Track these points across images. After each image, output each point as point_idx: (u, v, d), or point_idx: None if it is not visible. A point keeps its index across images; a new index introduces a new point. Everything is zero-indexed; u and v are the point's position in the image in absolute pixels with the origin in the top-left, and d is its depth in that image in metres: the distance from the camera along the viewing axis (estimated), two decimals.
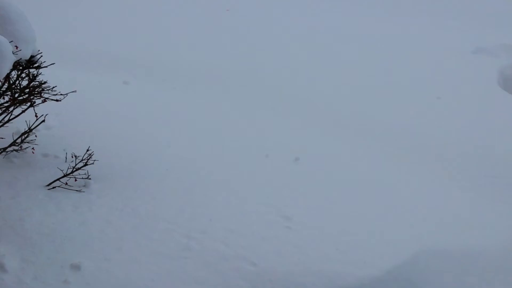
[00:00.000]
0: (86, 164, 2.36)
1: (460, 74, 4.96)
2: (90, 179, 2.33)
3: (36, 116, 2.42)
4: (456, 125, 3.62)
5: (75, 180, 2.30)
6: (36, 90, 2.34)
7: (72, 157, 2.40)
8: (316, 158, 2.95)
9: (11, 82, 2.30)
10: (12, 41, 2.02)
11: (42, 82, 2.39)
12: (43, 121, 2.47)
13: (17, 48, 2.05)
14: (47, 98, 2.38)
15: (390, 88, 4.36)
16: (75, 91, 2.51)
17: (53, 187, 2.25)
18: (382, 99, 4.08)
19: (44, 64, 2.34)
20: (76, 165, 2.35)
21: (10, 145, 2.39)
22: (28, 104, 2.37)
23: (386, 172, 2.94)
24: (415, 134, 3.45)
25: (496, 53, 6.94)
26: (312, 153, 2.99)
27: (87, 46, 4.75)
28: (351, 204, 2.49)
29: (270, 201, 2.35)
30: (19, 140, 2.43)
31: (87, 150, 2.40)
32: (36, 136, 2.50)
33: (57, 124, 2.77)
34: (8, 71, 1.97)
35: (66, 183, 2.28)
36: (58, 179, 2.27)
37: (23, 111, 2.43)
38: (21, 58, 2.12)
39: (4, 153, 2.39)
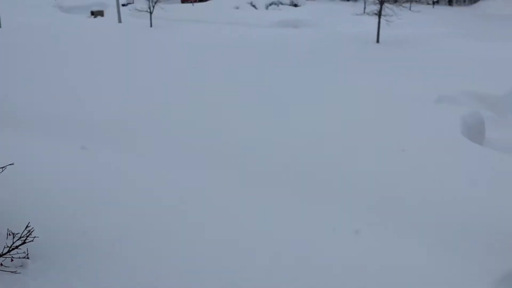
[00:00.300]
0: (24, 242, 2.18)
1: (423, 124, 4.98)
2: (28, 258, 2.14)
3: None
4: (421, 179, 3.57)
5: (11, 260, 2.11)
6: None
7: (9, 234, 2.22)
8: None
9: None
10: None
11: None
12: None
13: None
14: None
15: (353, 141, 4.32)
16: (12, 164, 2.37)
17: None
18: (345, 152, 4.03)
19: None
20: (13, 243, 2.17)
21: None
22: None
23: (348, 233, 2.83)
24: (381, 190, 3.39)
25: (458, 100, 7.09)
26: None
27: (35, 108, 4.65)
28: None
29: None
30: None
31: (27, 227, 2.23)
32: None
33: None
34: None
35: (1, 264, 2.09)
36: None
37: None
38: None
39: None
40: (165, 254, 2.37)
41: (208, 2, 31.06)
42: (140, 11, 19.37)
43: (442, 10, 32.81)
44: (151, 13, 18.65)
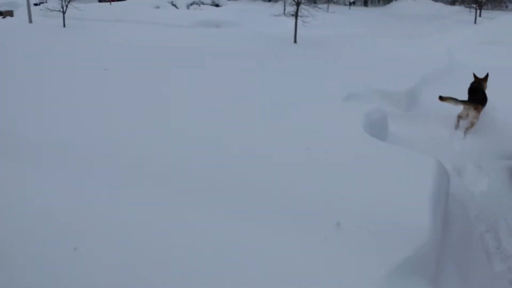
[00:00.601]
0: None
1: (329, 121, 5.13)
2: None
3: None
4: (319, 174, 3.65)
5: None
6: None
7: None
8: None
9: None
10: None
11: None
12: None
13: None
14: None
15: (256, 141, 4.36)
16: None
17: None
18: (244, 152, 4.05)
19: None
20: None
21: None
22: None
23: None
24: (282, 187, 3.44)
25: (365, 97, 7.40)
26: None
27: None
28: None
29: None
30: None
31: None
32: None
33: None
34: None
35: None
36: None
37: None
38: None
39: None
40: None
41: (127, 1, 30.23)
42: (52, 10, 18.44)
43: (358, 11, 34.22)
44: (64, 12, 17.82)
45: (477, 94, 6.55)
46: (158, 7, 26.36)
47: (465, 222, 3.93)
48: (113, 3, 28.91)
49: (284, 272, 2.46)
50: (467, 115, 6.46)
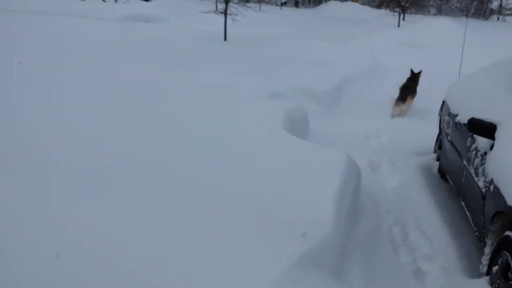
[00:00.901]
0: None
1: (249, 119, 5.14)
2: None
3: None
4: (233, 171, 3.64)
5: None
6: None
7: None
8: None
9: None
10: None
11: None
12: None
13: None
14: None
15: (173, 139, 4.28)
16: None
17: None
18: (162, 151, 3.96)
19: None
20: None
21: None
22: None
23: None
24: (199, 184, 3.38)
25: (289, 96, 7.52)
26: None
27: None
28: None
29: None
30: None
31: None
32: None
33: None
34: None
35: None
36: None
37: None
38: None
39: None
40: None
41: None
42: None
43: (289, 11, 34.81)
44: None
45: (406, 89, 7.94)
46: (83, 0, 25.35)
47: (375, 216, 4.07)
48: None
49: (182, 268, 2.41)
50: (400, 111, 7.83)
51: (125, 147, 3.95)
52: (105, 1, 25.91)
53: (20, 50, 9.52)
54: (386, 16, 32.03)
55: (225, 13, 14.97)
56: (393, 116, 7.79)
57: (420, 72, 8.23)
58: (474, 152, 3.95)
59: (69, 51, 9.99)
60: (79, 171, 3.42)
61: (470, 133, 4.11)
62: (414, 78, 8.09)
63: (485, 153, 3.69)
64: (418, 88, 8.10)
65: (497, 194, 3.14)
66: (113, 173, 3.40)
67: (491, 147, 3.59)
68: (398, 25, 26.13)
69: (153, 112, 5.13)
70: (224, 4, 15.01)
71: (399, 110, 7.78)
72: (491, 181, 3.32)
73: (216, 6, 16.69)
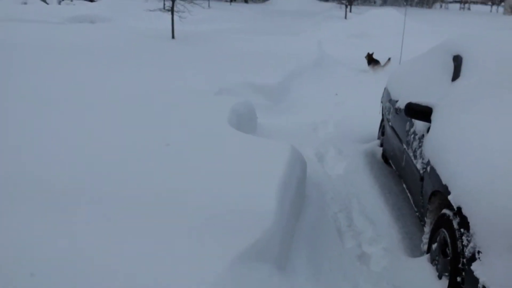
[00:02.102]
0: None
1: (194, 116, 5.10)
2: None
3: None
4: (176, 170, 3.61)
5: None
6: None
7: None
8: None
9: None
10: None
11: None
12: None
13: None
14: None
15: (117, 137, 4.20)
16: None
17: None
18: (103, 152, 3.88)
19: None
20: None
21: None
22: None
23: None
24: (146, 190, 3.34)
25: (237, 92, 7.53)
26: None
27: None
28: None
29: None
30: None
31: None
32: None
33: None
34: None
35: None
36: None
37: None
38: None
39: None
40: None
41: None
42: None
43: (238, 7, 34.78)
44: None
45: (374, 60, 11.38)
46: (25, 3, 24.44)
47: (320, 204, 4.14)
48: None
49: (122, 269, 2.38)
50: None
51: (63, 151, 3.84)
52: (48, 3, 25.06)
53: None
54: (334, 9, 32.61)
55: (172, 10, 14.79)
56: (374, 70, 11.20)
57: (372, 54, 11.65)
58: (412, 135, 4.09)
59: (12, 57, 9.61)
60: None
61: (409, 118, 4.25)
62: (371, 56, 11.60)
63: (422, 136, 3.82)
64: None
65: (434, 174, 3.27)
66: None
67: (428, 130, 3.73)
68: (345, 17, 26.65)
69: (95, 113, 5.01)
70: (171, 2, 14.83)
71: (376, 67, 11.30)
72: (428, 162, 3.45)
73: (164, 4, 16.47)
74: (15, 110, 5.10)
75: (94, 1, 26.90)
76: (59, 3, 25.54)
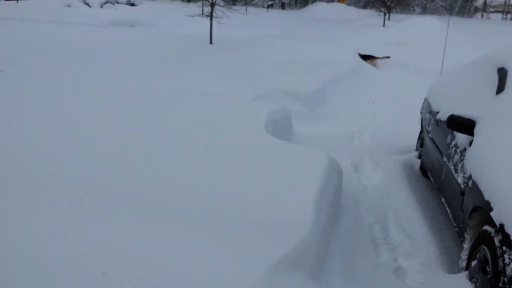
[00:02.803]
0: None
1: (231, 122, 5.14)
2: None
3: None
4: (214, 176, 3.64)
5: None
6: None
7: None
8: None
9: None
10: None
11: None
12: None
13: None
14: None
15: (156, 141, 4.28)
16: None
17: None
18: (141, 155, 3.95)
19: None
20: None
21: None
22: None
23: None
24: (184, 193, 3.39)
25: (273, 98, 7.54)
26: None
27: None
28: None
29: None
30: None
31: None
32: None
33: None
34: None
35: None
36: None
37: None
38: None
39: None
40: None
41: None
42: None
43: (275, 13, 34.89)
44: None
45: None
46: (69, 6, 25.23)
47: (356, 215, 4.10)
48: (20, 1, 27.26)
49: (162, 272, 2.41)
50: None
51: (107, 152, 3.94)
52: (90, 7, 25.80)
53: (6, 58, 9.44)
54: (372, 16, 32.27)
55: (210, 16, 14.98)
56: (374, 65, 12.74)
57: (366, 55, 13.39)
58: (454, 148, 4.00)
59: (59, 57, 9.94)
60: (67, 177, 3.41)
61: (450, 130, 4.16)
62: (362, 55, 13.21)
63: (464, 149, 3.73)
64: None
65: (475, 189, 3.18)
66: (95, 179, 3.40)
67: (470, 143, 3.64)
68: (384, 25, 26.32)
69: (134, 117, 5.12)
70: (210, 7, 15.02)
71: (374, 61, 12.97)
72: (470, 177, 3.37)
73: (202, 10, 16.71)
74: (58, 105, 5.26)
75: (135, 5, 27.55)
76: (101, 6, 26.25)
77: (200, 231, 2.84)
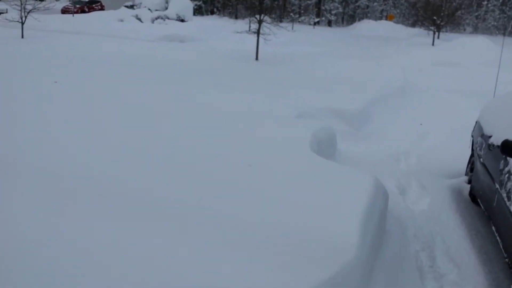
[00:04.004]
0: None
1: (276, 139, 5.14)
2: None
3: None
4: (257, 194, 3.64)
5: None
6: None
7: None
8: None
9: None
10: None
11: None
12: None
13: None
14: None
15: (200, 158, 4.34)
16: None
17: None
18: (188, 170, 4.01)
19: None
20: None
21: None
22: None
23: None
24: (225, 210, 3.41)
25: (317, 116, 7.50)
26: None
27: None
28: None
29: None
30: None
31: None
32: None
33: None
34: None
35: None
36: None
37: None
38: None
39: None
40: None
41: (90, 13, 29.92)
42: (10, 21, 18.04)
43: (322, 30, 34.88)
44: (22, 23, 17.49)
45: None
46: (122, 21, 26.17)
47: (402, 241, 3.99)
48: (76, 15, 28.55)
49: None
50: None
51: (156, 168, 4.03)
52: (142, 22, 26.65)
53: (53, 69, 9.87)
54: (420, 35, 31.71)
55: (257, 33, 15.15)
56: None
57: None
58: (507, 175, 3.84)
59: (110, 70, 10.33)
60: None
61: (503, 156, 4.00)
62: None
63: None
64: None
65: None
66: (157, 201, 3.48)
67: None
68: (433, 44, 25.82)
69: (179, 132, 5.22)
70: (257, 24, 15.20)
71: None
72: None
73: (249, 26, 16.93)
74: (105, 116, 5.44)
75: (184, 21, 28.25)
76: (153, 22, 27.08)
77: (241, 250, 2.85)
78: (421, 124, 8.53)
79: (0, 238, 2.80)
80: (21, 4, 17.54)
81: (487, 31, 41.96)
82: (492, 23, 43.24)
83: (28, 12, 17.71)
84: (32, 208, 3.15)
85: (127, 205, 3.32)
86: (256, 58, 14.87)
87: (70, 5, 32.94)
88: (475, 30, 43.58)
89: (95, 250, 2.71)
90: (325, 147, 5.76)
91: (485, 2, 44.56)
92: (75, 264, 2.57)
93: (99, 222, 3.05)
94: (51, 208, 3.17)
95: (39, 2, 19.70)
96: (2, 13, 25.55)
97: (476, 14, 44.34)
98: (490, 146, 4.53)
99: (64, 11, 32.70)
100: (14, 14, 19.10)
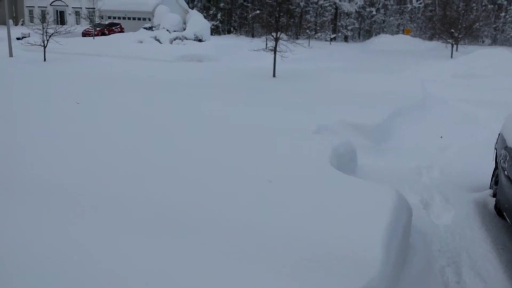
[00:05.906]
0: None
1: (295, 155, 5.14)
2: None
3: None
4: (279, 209, 3.64)
5: None
6: None
7: None
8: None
9: None
10: None
11: None
12: None
13: None
14: None
15: (218, 174, 4.35)
16: None
17: None
18: (209, 185, 4.02)
19: None
20: None
21: None
22: None
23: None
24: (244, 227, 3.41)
25: (336, 131, 7.47)
26: None
27: None
28: None
29: None
30: None
31: None
32: None
33: None
34: None
35: None
36: None
37: None
38: None
39: None
40: None
41: (110, 36, 30.55)
42: (33, 44, 18.53)
43: (338, 46, 34.96)
44: (45, 46, 17.96)
45: None
46: (141, 42, 26.64)
47: (427, 256, 3.91)
48: (96, 37, 29.18)
49: None
50: None
51: (179, 185, 4.06)
52: (161, 43, 27.10)
53: (76, 90, 10.08)
54: (438, 48, 31.51)
55: (274, 50, 15.26)
56: None
57: None
58: None
59: (130, 90, 10.51)
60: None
61: None
62: None
63: None
64: None
65: None
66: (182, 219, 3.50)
67: None
68: (451, 56, 25.62)
69: (199, 148, 5.25)
70: (274, 42, 15.32)
71: None
72: None
73: (266, 44, 17.07)
74: (126, 136, 5.52)
75: (202, 41, 28.63)
76: (171, 42, 27.51)
77: (266, 266, 2.83)
78: (441, 136, 8.42)
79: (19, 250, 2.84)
80: (43, 28, 18.04)
81: (506, 42, 41.50)
82: (511, 34, 42.75)
83: (50, 36, 18.18)
84: (45, 218, 3.18)
85: (151, 220, 3.34)
86: (274, 75, 14.95)
87: (90, 28, 33.70)
88: (494, 41, 43.15)
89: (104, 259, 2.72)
90: (346, 162, 5.72)
91: (503, 14, 44.17)
92: (85, 269, 2.58)
93: (116, 234, 3.08)
94: (62, 217, 3.20)
95: (60, 26, 20.21)
96: (25, 37, 26.27)
97: (494, 26, 43.93)
98: None
99: (85, 34, 33.46)
100: (36, 38, 19.63)
